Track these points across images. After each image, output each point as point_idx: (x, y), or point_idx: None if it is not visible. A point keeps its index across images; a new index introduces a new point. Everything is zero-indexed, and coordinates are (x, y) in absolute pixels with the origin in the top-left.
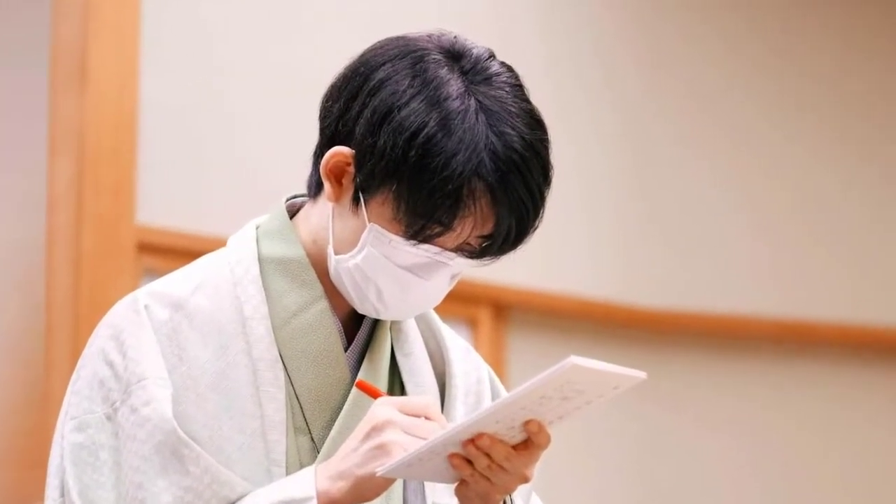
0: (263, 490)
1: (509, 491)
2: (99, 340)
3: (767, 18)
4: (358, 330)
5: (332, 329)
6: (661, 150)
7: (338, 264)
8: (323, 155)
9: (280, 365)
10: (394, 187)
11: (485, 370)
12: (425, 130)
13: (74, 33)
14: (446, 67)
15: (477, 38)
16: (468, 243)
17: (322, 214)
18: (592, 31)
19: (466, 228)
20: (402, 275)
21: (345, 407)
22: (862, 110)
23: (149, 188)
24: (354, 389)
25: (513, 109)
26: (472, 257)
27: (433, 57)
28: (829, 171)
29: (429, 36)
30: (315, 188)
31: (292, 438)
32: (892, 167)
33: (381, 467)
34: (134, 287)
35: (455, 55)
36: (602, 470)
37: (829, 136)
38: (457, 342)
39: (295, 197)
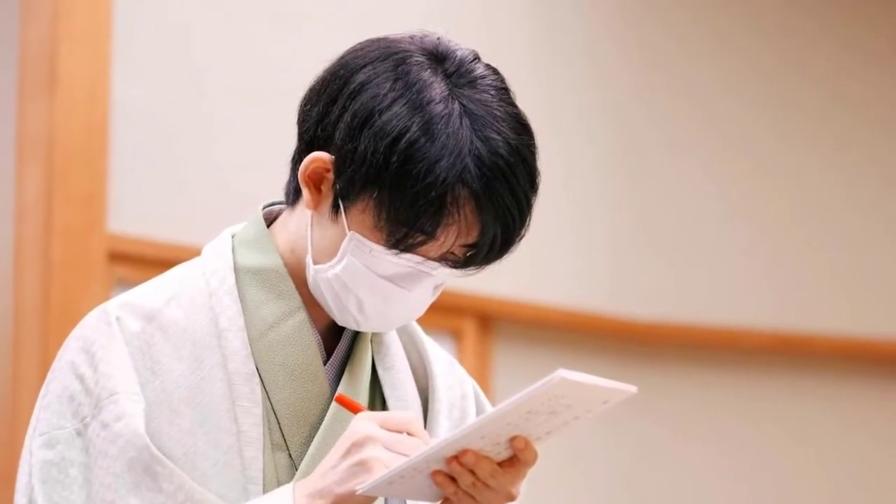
0: None
1: None
2: (69, 353)
3: (763, 17)
4: (338, 342)
5: (310, 341)
6: (652, 155)
7: (317, 274)
8: (301, 161)
9: (257, 379)
10: (375, 194)
11: (469, 384)
12: (407, 135)
13: (43, 36)
14: (429, 70)
15: (462, 40)
16: (452, 252)
17: (300, 222)
18: (582, 30)
19: (450, 237)
20: (383, 285)
21: (324, 422)
22: (862, 114)
23: (120, 196)
24: (334, 404)
25: (498, 113)
26: (456, 267)
27: (416, 59)
28: (827, 178)
29: (411, 37)
30: (293, 195)
31: (269, 455)
32: (892, 173)
33: (361, 485)
34: (105, 298)
35: (438, 57)
36: (591, 486)
37: (827, 141)
38: (440, 355)
39: (272, 204)
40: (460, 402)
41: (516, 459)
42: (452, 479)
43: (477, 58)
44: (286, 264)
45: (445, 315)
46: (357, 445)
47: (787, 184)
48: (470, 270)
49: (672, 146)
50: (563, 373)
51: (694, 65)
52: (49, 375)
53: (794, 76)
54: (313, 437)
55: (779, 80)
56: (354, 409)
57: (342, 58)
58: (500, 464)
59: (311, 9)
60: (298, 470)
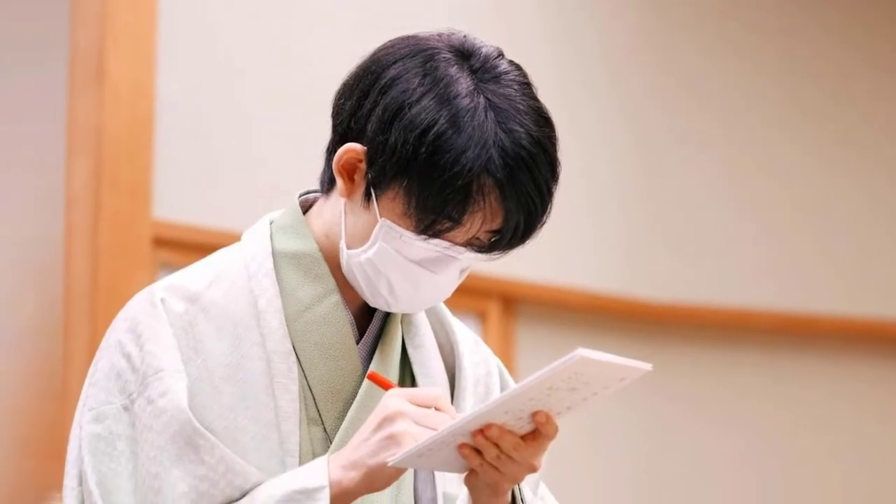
0: (277, 479)
1: (517, 480)
2: (116, 333)
3: (769, 20)
4: (370, 323)
5: (344, 322)
6: (665, 149)
7: (350, 258)
8: (335, 152)
9: (293, 357)
10: (405, 183)
11: (494, 362)
12: (435, 128)
13: (92, 35)
14: (456, 66)
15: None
16: (477, 238)
17: (334, 210)
18: (598, 31)
19: (476, 223)
20: (412, 269)
21: (357, 398)
22: (863, 112)
23: (164, 185)
24: (366, 381)
25: (521, 107)
26: (481, 252)
27: (443, 56)
28: (830, 172)
29: (439, 35)
30: (328, 184)
31: (305, 429)
32: (891, 167)
33: (391, 457)
34: (150, 281)
35: (465, 54)
36: (608, 461)
37: (830, 137)
38: (466, 334)
39: (308, 193)
40: (485, 379)
41: (538, 433)
42: (478, 451)
43: (501, 54)
44: (321, 249)
45: (471, 297)
46: (388, 420)
47: (792, 176)
48: (494, 255)
49: (683, 142)
50: (583, 351)
51: (703, 66)
52: (97, 354)
53: (797, 76)
54: (347, 412)
55: (783, 80)
56: (385, 386)
57: (374, 55)
58: (522, 437)
59: (342, 9)
60: (333, 443)
